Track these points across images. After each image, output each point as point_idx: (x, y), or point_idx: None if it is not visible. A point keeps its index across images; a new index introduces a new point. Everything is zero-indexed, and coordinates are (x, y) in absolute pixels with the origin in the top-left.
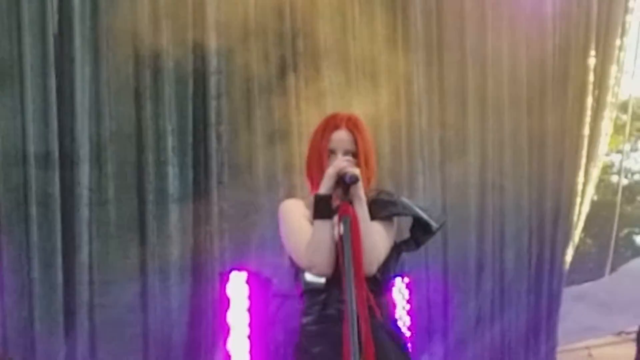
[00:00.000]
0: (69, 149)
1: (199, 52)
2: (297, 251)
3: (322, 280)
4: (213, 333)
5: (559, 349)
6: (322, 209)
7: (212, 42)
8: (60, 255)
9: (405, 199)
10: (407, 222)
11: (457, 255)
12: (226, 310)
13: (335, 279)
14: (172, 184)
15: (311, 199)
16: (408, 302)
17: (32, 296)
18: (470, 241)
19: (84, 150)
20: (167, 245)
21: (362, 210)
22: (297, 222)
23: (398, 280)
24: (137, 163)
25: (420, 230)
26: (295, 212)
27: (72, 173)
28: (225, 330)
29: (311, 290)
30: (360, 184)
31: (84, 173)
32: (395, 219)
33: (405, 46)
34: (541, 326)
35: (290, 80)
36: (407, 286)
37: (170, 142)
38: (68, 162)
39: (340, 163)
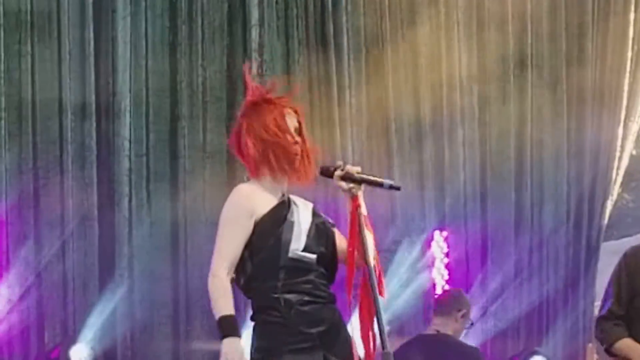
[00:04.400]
0: (109, 100)
1: (236, 5)
2: (217, 256)
3: (314, 257)
4: None
5: (597, 303)
6: (228, 330)
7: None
8: (96, 208)
9: None
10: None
11: (496, 209)
12: None
13: (323, 259)
14: (207, 139)
15: (263, 183)
16: (446, 255)
17: (69, 249)
18: (509, 195)
19: (125, 102)
20: (198, 200)
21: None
22: (234, 235)
23: (437, 233)
24: (171, 117)
25: None
26: (241, 216)
27: (113, 124)
28: None
29: (295, 268)
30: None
31: (125, 125)
32: None
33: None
34: (579, 280)
35: (329, 28)
36: (445, 240)
37: (202, 97)
38: (108, 114)
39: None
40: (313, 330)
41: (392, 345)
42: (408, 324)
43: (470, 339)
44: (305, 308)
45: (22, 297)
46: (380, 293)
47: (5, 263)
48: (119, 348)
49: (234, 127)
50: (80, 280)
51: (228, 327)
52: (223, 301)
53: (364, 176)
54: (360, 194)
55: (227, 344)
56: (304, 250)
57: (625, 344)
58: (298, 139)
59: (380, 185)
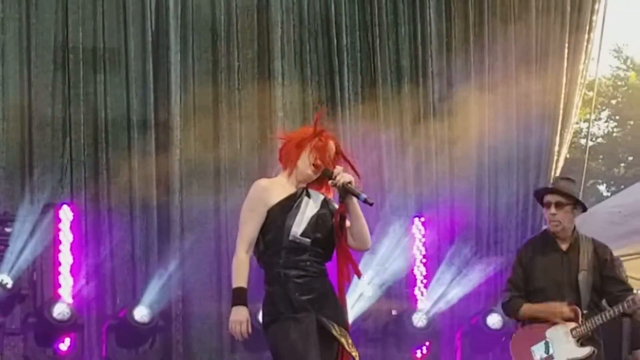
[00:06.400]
0: (165, 117)
1: (264, 43)
2: (239, 238)
3: (308, 241)
4: None
5: None
6: (236, 300)
7: (277, 36)
8: (155, 199)
9: None
10: None
11: (461, 200)
12: None
13: (319, 243)
14: (242, 145)
15: (281, 179)
16: (423, 236)
17: (134, 231)
18: (471, 189)
19: (177, 118)
20: (236, 193)
21: (357, 206)
22: (252, 220)
23: (416, 219)
24: (214, 129)
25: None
26: (257, 205)
27: (168, 136)
28: None
29: (294, 248)
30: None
31: (177, 136)
32: None
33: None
34: None
35: (335, 61)
36: (423, 224)
37: (238, 112)
38: (164, 127)
39: (351, 176)
40: (305, 298)
41: (383, 306)
42: (394, 288)
43: (442, 301)
44: (300, 280)
45: (97, 269)
46: (357, 273)
47: (85, 242)
48: (173, 309)
49: (291, 138)
50: (143, 255)
51: (237, 298)
52: (237, 276)
53: (347, 187)
54: (348, 201)
55: (234, 311)
56: (302, 235)
57: (526, 307)
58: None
59: (357, 197)
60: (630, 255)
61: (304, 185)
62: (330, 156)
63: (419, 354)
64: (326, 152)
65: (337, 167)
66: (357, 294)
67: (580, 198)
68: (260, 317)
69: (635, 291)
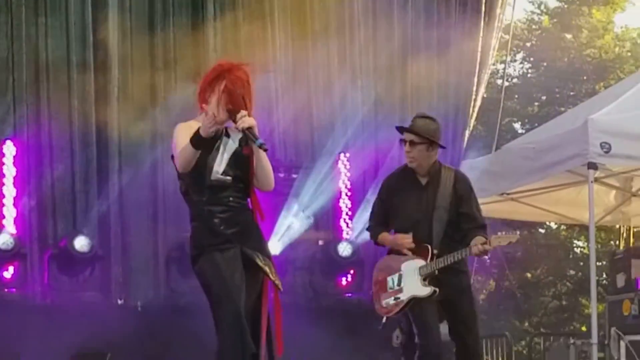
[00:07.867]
0: (103, 58)
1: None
2: (175, 150)
3: (229, 179)
4: None
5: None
6: (198, 144)
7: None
8: (94, 134)
9: None
10: None
11: (385, 136)
12: None
13: (238, 179)
14: (176, 84)
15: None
16: (348, 171)
17: (75, 165)
18: (384, 126)
19: (115, 59)
20: (172, 129)
21: (260, 150)
22: (185, 134)
23: (342, 155)
24: (151, 68)
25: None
26: (184, 133)
27: (105, 75)
28: None
29: (216, 186)
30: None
31: (114, 75)
32: None
33: None
34: None
35: None
36: (348, 160)
37: (173, 53)
38: (103, 68)
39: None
40: (229, 231)
41: (310, 236)
42: (321, 220)
43: (366, 232)
44: (224, 215)
45: (39, 201)
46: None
47: (27, 176)
48: (112, 239)
49: (204, 77)
50: (83, 188)
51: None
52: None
53: (246, 132)
54: (251, 144)
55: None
56: (223, 173)
57: (382, 236)
58: (244, 101)
59: (254, 142)
60: (543, 188)
61: (222, 127)
62: (240, 96)
63: (344, 281)
64: (236, 94)
65: (242, 111)
66: (285, 225)
67: (438, 135)
68: None
69: (483, 230)
